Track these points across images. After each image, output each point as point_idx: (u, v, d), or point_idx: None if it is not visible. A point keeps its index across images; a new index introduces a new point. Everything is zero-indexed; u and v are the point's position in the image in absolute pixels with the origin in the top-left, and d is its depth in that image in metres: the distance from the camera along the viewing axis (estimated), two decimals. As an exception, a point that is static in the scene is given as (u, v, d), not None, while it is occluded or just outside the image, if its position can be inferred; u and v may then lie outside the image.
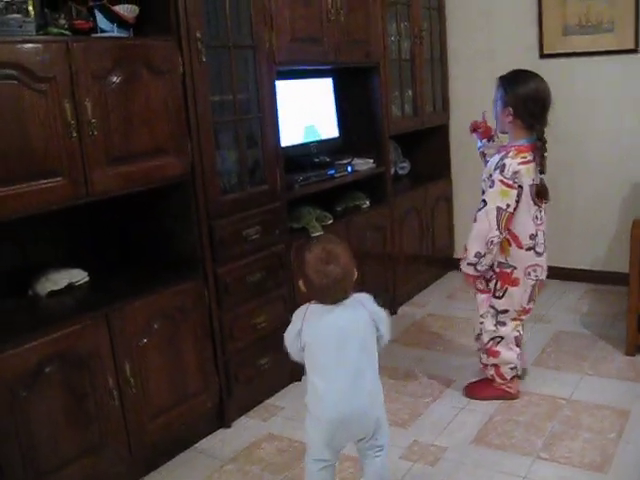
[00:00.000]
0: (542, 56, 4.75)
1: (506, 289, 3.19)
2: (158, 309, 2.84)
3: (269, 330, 3.37)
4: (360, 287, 3.99)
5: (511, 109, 3.05)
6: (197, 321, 3.00)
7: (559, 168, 4.12)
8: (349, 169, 4.12)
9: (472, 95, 5.10)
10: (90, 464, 2.66)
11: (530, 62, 4.74)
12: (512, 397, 3.36)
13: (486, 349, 3.32)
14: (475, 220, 3.10)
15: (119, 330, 2.68)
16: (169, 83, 2.85)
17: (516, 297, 3.20)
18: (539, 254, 3.15)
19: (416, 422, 3.22)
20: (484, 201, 3.06)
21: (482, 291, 3.28)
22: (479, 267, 3.13)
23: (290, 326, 2.31)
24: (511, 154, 3.02)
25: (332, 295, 2.24)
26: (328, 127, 4.27)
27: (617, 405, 3.23)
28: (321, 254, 2.21)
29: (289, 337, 2.32)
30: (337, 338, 2.24)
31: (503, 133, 3.23)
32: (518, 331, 3.32)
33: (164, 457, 3.01)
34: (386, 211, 4.43)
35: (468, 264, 3.16)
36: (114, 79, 2.65)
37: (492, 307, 3.26)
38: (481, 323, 3.30)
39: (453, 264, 5.42)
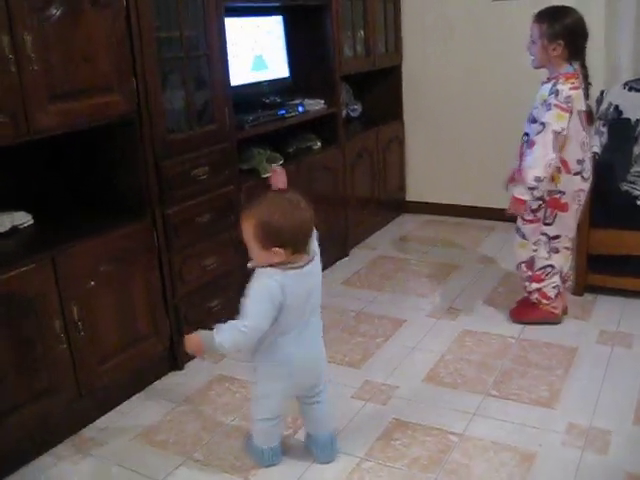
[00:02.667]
0: (494, -2, 4.71)
1: (556, 214, 3.27)
2: (105, 251, 2.77)
3: (219, 272, 3.34)
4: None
5: (562, 41, 3.06)
6: (146, 263, 2.94)
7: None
8: (300, 109, 4.05)
9: (425, 36, 5.06)
10: (41, 408, 2.61)
11: (483, 3, 4.73)
12: (556, 318, 3.48)
13: (533, 276, 3.42)
14: (532, 144, 3.09)
15: (66, 273, 2.61)
16: (112, 17, 2.73)
17: (566, 222, 3.29)
18: (585, 179, 3.23)
19: (368, 362, 3.24)
20: (542, 124, 3.05)
21: (530, 221, 3.33)
22: (536, 192, 3.13)
23: (258, 306, 2.18)
24: (561, 80, 3.06)
25: (307, 242, 2.18)
26: (278, 67, 4.19)
27: (565, 343, 3.29)
28: (287, 200, 2.14)
29: (261, 321, 2.20)
30: (307, 297, 2.27)
31: (539, 68, 3.22)
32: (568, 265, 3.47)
33: (116, 400, 2.98)
34: (337, 153, 4.39)
35: (528, 188, 3.08)
36: (54, 12, 2.52)
37: (544, 234, 3.33)
38: (534, 251, 3.38)
39: (405, 207, 5.46)
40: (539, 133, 3.06)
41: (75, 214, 3.04)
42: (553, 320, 3.46)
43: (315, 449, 2.55)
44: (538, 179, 3.06)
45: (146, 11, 2.88)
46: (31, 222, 2.93)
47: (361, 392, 2.99)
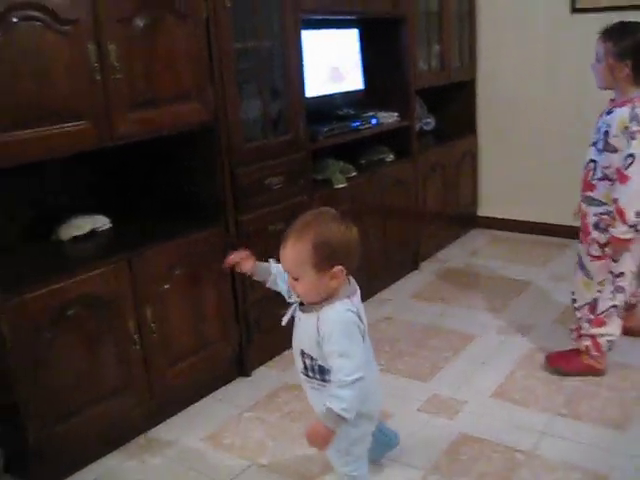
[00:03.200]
0: (574, 10, 4.63)
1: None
2: (180, 255, 2.84)
3: (290, 281, 3.37)
4: (382, 242, 4.07)
5: (629, 62, 2.81)
6: (218, 269, 2.98)
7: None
8: (374, 122, 4.07)
9: (500, 50, 5.02)
10: (111, 407, 2.69)
11: (561, 17, 4.66)
12: (598, 373, 3.14)
13: (594, 319, 3.08)
14: (625, 179, 2.78)
15: (141, 275, 2.69)
16: (193, 28, 2.81)
17: (630, 257, 2.96)
18: None
19: (436, 376, 3.22)
20: (632, 155, 2.75)
21: (598, 257, 3.00)
22: None
23: (354, 343, 1.92)
24: (638, 104, 2.78)
25: (357, 260, 1.99)
26: (353, 79, 4.21)
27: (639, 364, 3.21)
28: (334, 216, 1.96)
29: (362, 357, 1.95)
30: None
31: (604, 89, 2.96)
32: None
33: (185, 402, 3.04)
34: (410, 166, 4.38)
35: (630, 227, 2.79)
36: (138, 23, 2.62)
37: (610, 272, 3.01)
38: (599, 292, 3.04)
39: (476, 222, 5.40)
40: (630, 165, 2.75)
41: (151, 218, 3.12)
42: (595, 374, 3.14)
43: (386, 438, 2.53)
44: (639, 213, 2.78)
45: (225, 22, 2.94)
46: (109, 225, 3.03)
47: (428, 405, 2.97)
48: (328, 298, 1.94)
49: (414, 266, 4.57)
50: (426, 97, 4.99)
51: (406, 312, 3.93)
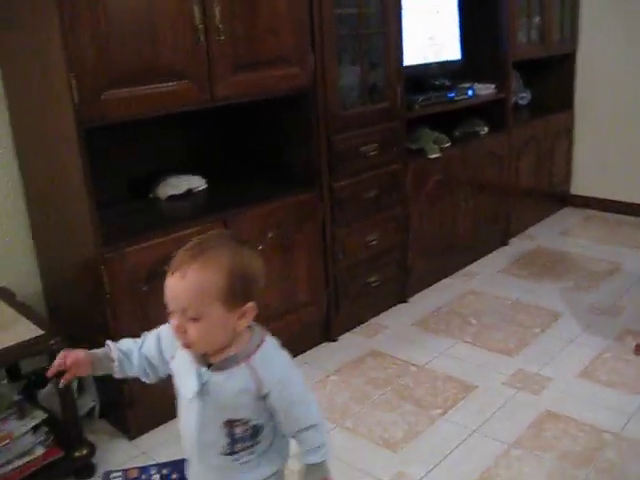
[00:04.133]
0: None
1: None
2: (274, 218, 2.88)
3: (380, 249, 3.38)
4: (472, 216, 4.03)
5: None
6: (310, 233, 3.02)
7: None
8: (470, 93, 4.01)
9: (602, 24, 4.86)
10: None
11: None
12: None
13: None
14: None
15: (236, 234, 2.73)
16: (295, -8, 2.83)
17: None
18: None
19: (522, 351, 3.18)
20: None
21: None
22: None
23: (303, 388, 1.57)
24: None
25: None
26: (450, 49, 4.15)
27: None
28: (239, 240, 1.53)
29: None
30: None
31: None
32: None
33: (272, 363, 3.09)
34: (504, 140, 4.31)
35: None
36: (243, -15, 2.65)
37: None
38: None
39: (569, 200, 5.29)
40: None
41: (245, 181, 3.17)
42: None
43: None
44: None
45: (327, -13, 2.94)
46: (205, 186, 3.09)
47: (513, 380, 2.94)
48: (233, 344, 1.48)
49: (503, 242, 4.51)
50: (523, 69, 4.88)
51: (494, 287, 3.90)
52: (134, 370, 1.63)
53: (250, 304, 1.45)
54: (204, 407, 1.51)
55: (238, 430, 1.52)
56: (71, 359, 1.57)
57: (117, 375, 1.63)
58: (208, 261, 1.41)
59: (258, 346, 1.49)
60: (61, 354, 1.58)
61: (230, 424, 1.51)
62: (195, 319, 1.40)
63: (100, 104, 2.29)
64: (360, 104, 3.24)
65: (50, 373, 1.60)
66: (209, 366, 1.49)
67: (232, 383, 1.48)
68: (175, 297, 1.41)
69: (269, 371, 1.48)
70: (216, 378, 1.49)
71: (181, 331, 1.42)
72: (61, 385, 1.70)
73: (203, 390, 1.50)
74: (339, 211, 3.13)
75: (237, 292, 1.42)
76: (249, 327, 1.50)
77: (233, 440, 1.53)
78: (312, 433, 1.54)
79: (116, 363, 1.61)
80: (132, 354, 1.62)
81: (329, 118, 3.03)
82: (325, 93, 2.99)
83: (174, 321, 1.42)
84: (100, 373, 1.65)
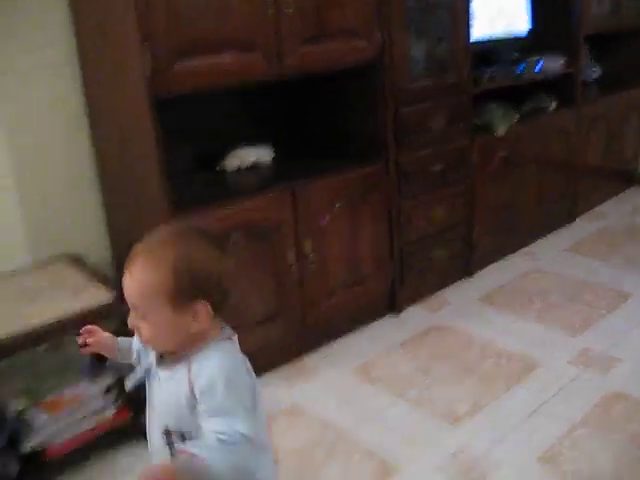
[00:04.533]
0: None
1: None
2: (340, 190, 2.89)
3: (445, 224, 3.36)
4: (539, 193, 3.96)
5: None
6: (376, 206, 3.02)
7: None
8: (538, 67, 3.93)
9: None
10: (266, 331, 2.80)
11: None
12: None
13: None
14: None
15: (303, 207, 2.76)
16: (363, -37, 2.81)
17: None
18: None
19: (588, 331, 3.13)
20: None
21: None
22: None
23: (239, 393, 1.33)
24: None
25: (230, 297, 1.43)
26: (518, 22, 4.07)
27: None
28: (199, 233, 1.39)
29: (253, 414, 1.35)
30: None
31: None
32: None
33: (335, 334, 3.12)
34: (573, 116, 4.22)
35: None
36: (313, -43, 2.64)
37: None
38: None
39: (638, 179, 5.15)
40: None
41: (312, 153, 3.18)
42: None
43: None
44: None
45: (396, -41, 2.91)
46: (271, 158, 3.12)
47: (579, 359, 2.90)
48: (191, 345, 1.36)
49: (570, 220, 4.43)
50: (592, 43, 4.75)
51: (559, 265, 3.84)
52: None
53: (200, 304, 1.32)
54: (152, 402, 1.43)
55: (177, 444, 1.36)
56: (95, 338, 1.58)
57: (137, 367, 1.55)
58: (152, 258, 1.32)
59: (205, 347, 1.35)
60: (86, 328, 1.58)
61: (168, 433, 1.38)
62: (144, 317, 1.33)
63: (171, 75, 2.32)
64: (427, 77, 3.21)
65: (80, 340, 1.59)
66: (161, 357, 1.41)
67: (168, 386, 1.37)
68: (126, 294, 1.35)
69: (202, 374, 1.31)
70: (162, 375, 1.39)
71: (135, 328, 1.36)
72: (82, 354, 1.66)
73: (152, 389, 1.43)
74: (405, 184, 3.12)
75: (184, 291, 1.30)
76: (222, 328, 1.41)
77: (172, 455, 1.36)
78: (215, 438, 1.25)
79: (135, 355, 1.55)
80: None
81: (396, 91, 3.01)
82: (392, 66, 2.97)
83: (129, 318, 1.36)
84: (125, 361, 1.60)
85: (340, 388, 2.77)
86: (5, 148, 2.63)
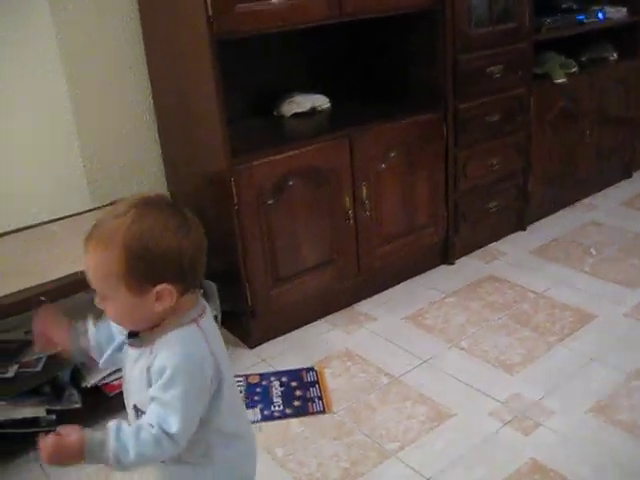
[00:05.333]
0: None
1: None
2: (397, 137, 2.86)
3: (500, 174, 3.32)
4: (595, 146, 3.88)
5: None
6: (433, 154, 3.00)
7: None
8: (600, 16, 3.82)
9: None
10: (321, 276, 2.82)
11: None
12: None
13: None
14: None
15: (360, 153, 2.75)
16: None
17: None
18: None
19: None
20: None
21: None
22: None
23: (187, 396, 1.24)
24: None
25: (202, 272, 1.32)
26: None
27: None
28: (158, 208, 1.26)
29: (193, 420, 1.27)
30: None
31: None
32: None
33: (388, 282, 3.13)
34: (635, 67, 4.09)
35: None
36: None
37: None
38: None
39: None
40: None
41: (369, 100, 3.16)
42: None
43: None
44: None
45: None
46: (328, 105, 3.10)
47: (635, 311, 2.86)
48: (159, 325, 1.29)
49: (627, 174, 4.34)
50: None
51: (616, 219, 3.77)
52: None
53: (162, 286, 1.22)
54: (125, 381, 1.37)
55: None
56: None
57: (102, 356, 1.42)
58: (103, 237, 1.21)
59: (168, 330, 1.27)
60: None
61: (137, 410, 1.33)
62: (104, 298, 1.26)
63: (233, 16, 2.32)
64: (487, 24, 3.13)
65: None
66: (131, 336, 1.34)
67: (134, 365, 1.31)
68: (86, 273, 1.25)
69: (156, 356, 1.26)
70: (131, 353, 1.33)
71: (101, 307, 1.28)
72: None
73: (125, 365, 1.36)
74: (462, 133, 3.08)
75: (137, 272, 1.21)
76: (190, 309, 1.31)
77: None
78: (145, 429, 1.22)
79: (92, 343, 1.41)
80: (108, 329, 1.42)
81: (456, 37, 2.95)
82: (452, 11, 2.91)
83: (94, 297, 1.28)
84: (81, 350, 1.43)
85: (394, 334, 2.79)
86: (68, 99, 2.67)
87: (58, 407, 2.30)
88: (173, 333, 1.27)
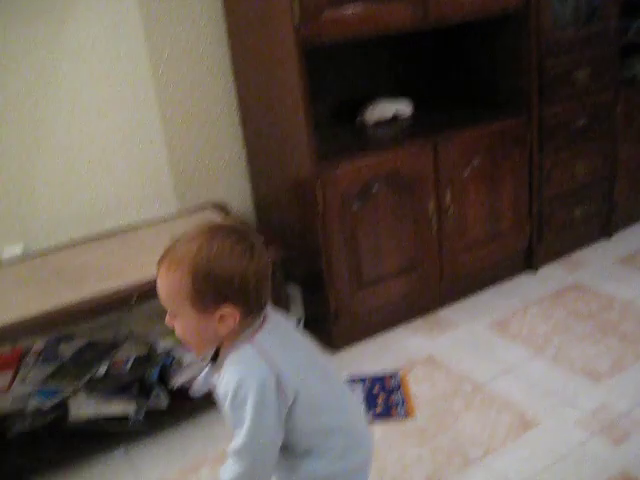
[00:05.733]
0: None
1: None
2: (482, 143, 2.84)
3: (586, 181, 3.25)
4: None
5: None
6: (517, 161, 2.96)
7: None
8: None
9: None
10: (404, 282, 2.82)
11: None
12: None
13: None
14: None
15: (444, 159, 2.74)
16: None
17: None
18: None
19: None
20: None
21: None
22: None
23: (253, 419, 1.31)
24: None
25: (266, 294, 1.38)
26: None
27: None
28: (225, 233, 1.33)
29: (267, 425, 1.33)
30: (308, 349, 1.51)
31: None
32: None
33: (472, 289, 3.11)
34: None
35: None
36: None
37: None
38: None
39: None
40: None
41: (451, 105, 3.15)
42: None
43: None
44: None
45: None
46: (411, 110, 3.10)
47: None
48: (224, 348, 1.39)
49: None
50: None
51: None
52: None
53: (225, 308, 1.30)
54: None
55: None
56: None
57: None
58: (175, 259, 1.31)
59: (232, 352, 1.35)
60: None
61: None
62: (174, 317, 1.35)
63: (319, 23, 2.35)
64: (572, 27, 3.07)
65: None
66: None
67: (219, 389, 1.37)
68: (158, 294, 1.35)
69: (220, 383, 1.36)
70: (214, 378, 1.42)
71: (171, 327, 1.37)
72: None
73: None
74: (547, 139, 3.03)
75: (204, 294, 1.29)
76: (246, 329, 1.36)
77: None
78: (230, 460, 1.36)
79: None
80: None
81: (541, 41, 2.91)
82: (538, 14, 2.87)
83: (167, 317, 1.37)
84: None
85: (477, 341, 2.77)
86: (156, 105, 2.75)
87: (146, 406, 2.36)
88: (228, 358, 1.35)
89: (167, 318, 1.37)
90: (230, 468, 1.36)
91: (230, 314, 1.30)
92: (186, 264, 1.28)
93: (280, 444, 1.38)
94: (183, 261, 1.29)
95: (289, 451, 1.42)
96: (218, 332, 1.32)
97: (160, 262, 1.33)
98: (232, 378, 1.31)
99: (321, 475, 1.44)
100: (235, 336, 1.35)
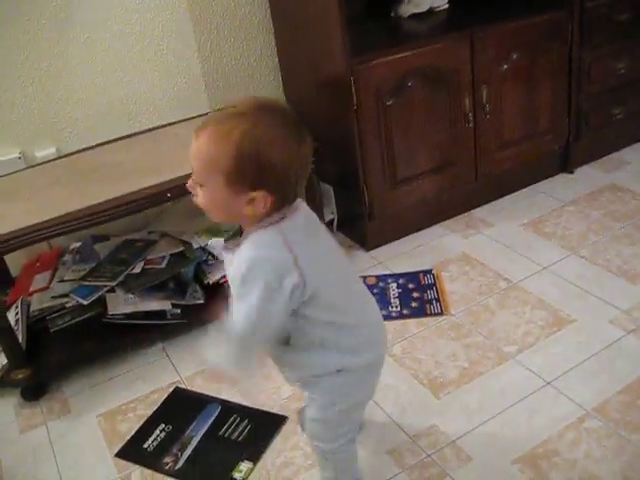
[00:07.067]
0: None
1: None
2: (519, 38, 2.74)
3: (628, 78, 3.13)
4: None
5: None
6: (556, 56, 2.86)
7: None
8: None
9: None
10: (438, 180, 2.79)
11: None
12: None
13: None
14: None
15: (480, 53, 2.65)
16: None
17: None
18: None
19: None
20: None
21: None
22: None
23: (261, 291, 1.28)
24: None
25: (301, 186, 1.34)
26: None
27: None
28: (281, 114, 1.28)
29: (273, 308, 1.30)
30: (330, 247, 1.48)
31: None
32: None
33: (507, 188, 3.07)
34: None
35: None
36: None
37: None
38: None
39: None
40: None
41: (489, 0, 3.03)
42: None
43: None
44: None
45: None
46: (446, 5, 3.00)
47: None
48: (245, 227, 1.37)
49: None
50: None
51: None
52: None
53: (259, 193, 1.25)
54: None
55: None
56: None
57: None
58: (220, 131, 1.23)
59: (249, 233, 1.33)
60: None
61: None
62: (201, 184, 1.29)
63: None
64: None
65: None
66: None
67: (231, 267, 1.36)
68: (190, 156, 1.28)
69: (237, 258, 1.32)
70: (226, 257, 1.40)
71: (193, 190, 1.32)
72: None
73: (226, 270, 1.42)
74: (588, 33, 2.91)
75: (243, 174, 1.23)
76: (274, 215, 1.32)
77: None
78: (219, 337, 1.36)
79: None
80: None
81: None
82: None
83: (190, 179, 1.32)
84: None
85: (512, 241, 2.75)
86: (186, 3, 2.69)
87: (182, 302, 2.40)
88: (250, 237, 1.31)
89: (190, 182, 1.32)
90: (217, 345, 1.36)
91: (262, 199, 1.26)
92: (233, 140, 1.21)
93: (275, 334, 1.39)
94: (230, 136, 1.21)
95: (300, 341, 1.43)
96: (243, 211, 1.28)
97: (202, 128, 1.26)
98: (250, 255, 1.29)
99: (331, 368, 1.45)
100: (261, 218, 1.31)
